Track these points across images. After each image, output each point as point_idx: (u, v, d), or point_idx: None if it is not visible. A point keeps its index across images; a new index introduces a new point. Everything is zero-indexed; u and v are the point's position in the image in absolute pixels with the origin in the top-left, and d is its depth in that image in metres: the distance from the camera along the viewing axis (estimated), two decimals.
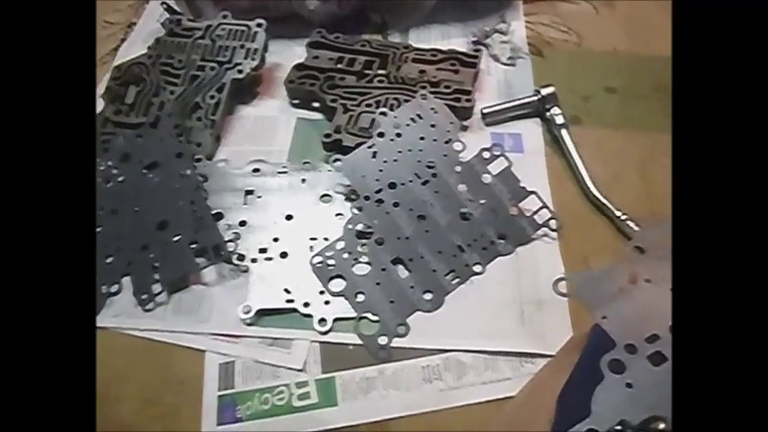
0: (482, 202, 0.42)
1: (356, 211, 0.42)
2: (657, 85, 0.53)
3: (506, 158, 0.43)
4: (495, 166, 0.43)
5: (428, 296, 0.39)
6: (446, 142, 0.44)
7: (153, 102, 0.50)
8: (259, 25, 0.51)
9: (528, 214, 0.42)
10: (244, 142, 0.49)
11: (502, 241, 0.41)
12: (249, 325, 0.38)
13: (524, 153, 0.48)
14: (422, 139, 0.44)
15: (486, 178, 0.43)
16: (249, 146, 0.49)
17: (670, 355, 0.24)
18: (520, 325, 0.38)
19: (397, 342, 0.37)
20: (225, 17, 0.52)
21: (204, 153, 0.47)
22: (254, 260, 0.41)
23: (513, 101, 0.49)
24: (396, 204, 0.42)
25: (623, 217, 0.42)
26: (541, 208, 0.42)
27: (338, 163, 0.43)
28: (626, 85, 0.53)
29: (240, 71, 0.50)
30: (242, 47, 0.51)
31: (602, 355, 0.24)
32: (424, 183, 0.42)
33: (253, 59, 0.50)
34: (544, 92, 0.49)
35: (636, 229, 0.41)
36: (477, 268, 0.40)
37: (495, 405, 0.35)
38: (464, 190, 0.42)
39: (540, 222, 0.42)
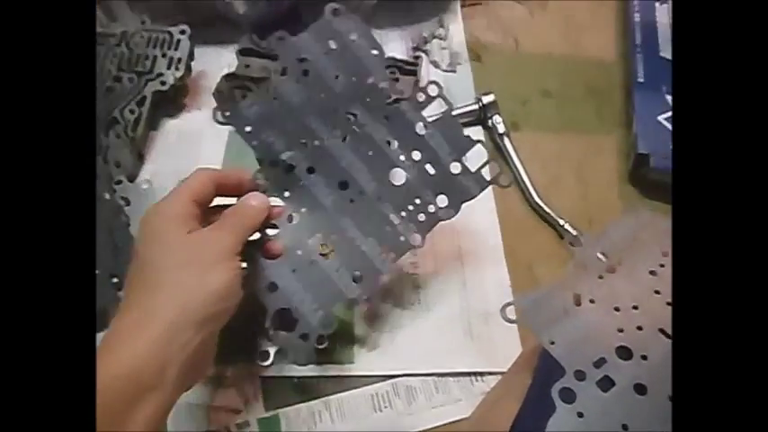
0: (416, 158, 0.34)
1: (261, 182, 0.33)
2: (590, 87, 0.54)
3: (445, 100, 0.35)
4: (432, 111, 0.35)
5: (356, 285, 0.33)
6: (369, 81, 0.34)
7: None
8: (182, 32, 0.47)
9: (473, 169, 0.34)
10: (170, 160, 0.45)
11: (443, 205, 0.34)
12: None
13: None
14: (337, 77, 0.34)
15: (421, 128, 0.34)
16: (176, 163, 0.45)
17: (617, 380, 0.23)
18: (468, 342, 0.37)
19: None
20: (143, 23, 0.48)
21: (125, 174, 0.43)
22: None
23: (455, 109, 0.49)
24: (310, 170, 0.34)
25: (566, 225, 0.42)
26: (489, 162, 0.35)
27: (227, 114, 0.34)
28: (561, 89, 0.54)
29: (163, 82, 0.46)
30: (164, 55, 0.46)
31: (553, 382, 0.24)
32: (344, 138, 0.34)
33: (177, 69, 0.46)
34: (485, 99, 0.48)
35: (576, 234, 0.42)
36: (414, 240, 0.33)
37: (447, 428, 0.34)
38: (394, 144, 0.34)
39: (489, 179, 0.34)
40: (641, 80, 0.51)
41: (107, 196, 0.41)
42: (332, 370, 0.35)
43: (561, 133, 0.50)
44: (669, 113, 0.48)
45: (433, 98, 0.35)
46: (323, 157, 0.34)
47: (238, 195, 0.32)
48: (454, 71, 0.54)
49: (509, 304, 0.26)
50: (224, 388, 0.34)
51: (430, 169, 0.34)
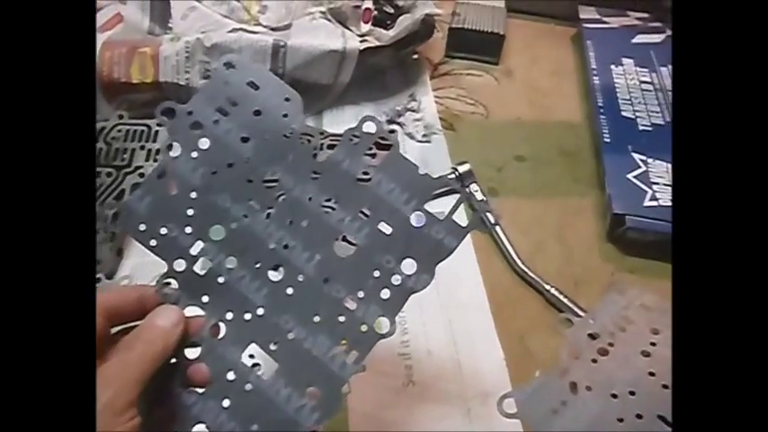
0: (364, 217, 0.27)
1: (169, 291, 0.27)
2: (561, 149, 0.56)
3: (385, 137, 0.29)
4: (376, 156, 0.30)
5: (311, 399, 0.25)
6: (287, 135, 0.28)
7: None
8: (160, 124, 0.48)
9: (442, 217, 0.27)
10: (149, 255, 0.45)
11: (411, 272, 0.27)
12: None
13: None
14: (245, 141, 0.28)
15: (364, 176, 0.28)
16: (156, 258, 0.44)
17: None
18: (466, 423, 0.36)
19: None
20: (121, 117, 0.48)
21: (104, 271, 0.42)
22: None
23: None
24: (231, 262, 0.27)
25: (552, 290, 0.43)
26: (460, 203, 0.28)
27: (115, 215, 0.30)
28: (534, 153, 0.56)
29: (141, 174, 0.46)
30: (142, 148, 0.47)
31: None
32: (267, 213, 0.27)
33: (155, 161, 0.46)
34: (461, 169, 0.49)
35: (564, 300, 0.42)
36: (382, 326, 0.26)
37: None
38: (333, 206, 0.28)
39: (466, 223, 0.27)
40: (608, 140, 0.53)
41: None
42: None
43: (538, 197, 0.52)
44: (638, 171, 0.50)
45: (372, 135, 0.28)
46: (244, 242, 0.27)
47: (142, 317, 0.25)
48: (429, 141, 0.55)
49: (506, 396, 0.26)
50: None
51: (385, 228, 0.27)
